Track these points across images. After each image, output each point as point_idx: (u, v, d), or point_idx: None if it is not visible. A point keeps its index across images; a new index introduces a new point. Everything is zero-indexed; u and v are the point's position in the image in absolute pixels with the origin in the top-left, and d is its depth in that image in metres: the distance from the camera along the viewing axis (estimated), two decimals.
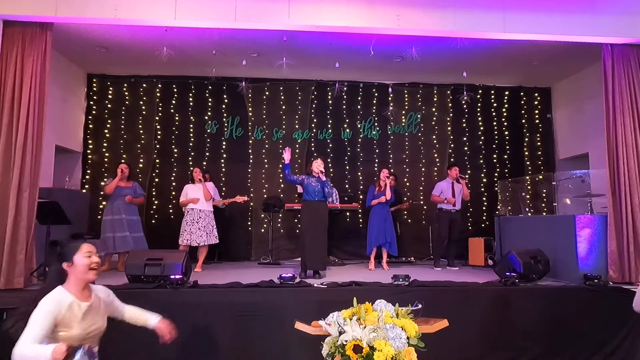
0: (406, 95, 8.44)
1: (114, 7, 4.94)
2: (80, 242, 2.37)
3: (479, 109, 8.54)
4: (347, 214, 8.07)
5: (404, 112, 8.39)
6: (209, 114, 8.14)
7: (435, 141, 8.40)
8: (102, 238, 6.08)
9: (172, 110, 8.08)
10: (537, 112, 8.60)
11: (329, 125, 8.29)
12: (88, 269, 2.28)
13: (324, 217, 5.64)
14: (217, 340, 4.18)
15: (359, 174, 8.27)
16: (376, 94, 8.38)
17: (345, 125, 8.31)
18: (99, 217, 6.56)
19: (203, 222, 6.12)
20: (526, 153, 8.55)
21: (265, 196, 7.85)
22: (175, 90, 8.11)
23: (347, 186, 8.21)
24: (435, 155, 8.36)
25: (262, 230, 7.94)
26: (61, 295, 2.20)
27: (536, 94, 8.60)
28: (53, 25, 5.12)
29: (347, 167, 8.31)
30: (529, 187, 7.62)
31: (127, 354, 3.90)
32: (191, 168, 7.52)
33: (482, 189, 8.43)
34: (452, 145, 8.45)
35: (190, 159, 8.04)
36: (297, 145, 8.18)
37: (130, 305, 2.67)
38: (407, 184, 8.25)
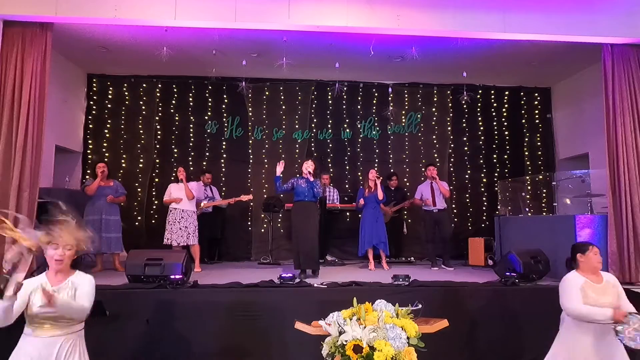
0: (406, 95, 8.44)
1: (114, 7, 4.94)
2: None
3: (479, 109, 8.54)
4: (347, 214, 8.06)
5: (404, 112, 8.39)
6: (209, 114, 8.14)
7: (435, 141, 8.40)
8: None
9: (172, 110, 8.08)
10: (537, 112, 8.60)
11: (329, 125, 8.29)
12: (50, 259, 2.48)
13: (313, 216, 5.73)
14: (218, 340, 4.18)
15: (359, 174, 8.25)
16: (376, 94, 8.38)
17: (345, 125, 8.31)
18: None
19: (185, 222, 6.06)
20: (526, 153, 8.55)
21: (265, 196, 7.85)
22: (175, 90, 8.11)
23: (347, 186, 8.21)
24: (435, 155, 8.36)
25: (262, 230, 7.93)
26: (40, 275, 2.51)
27: (536, 94, 8.60)
28: (53, 25, 5.12)
29: (347, 167, 8.31)
30: (529, 187, 7.62)
31: (126, 355, 3.90)
32: (192, 168, 7.54)
33: (482, 189, 8.42)
34: (452, 145, 8.45)
35: (190, 159, 8.03)
36: (297, 145, 8.18)
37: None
38: (407, 184, 8.25)
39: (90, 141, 7.83)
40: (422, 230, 7.33)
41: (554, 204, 6.59)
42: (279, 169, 5.70)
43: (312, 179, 5.67)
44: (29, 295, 2.40)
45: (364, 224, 6.48)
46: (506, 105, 8.61)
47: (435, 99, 8.45)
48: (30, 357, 2.37)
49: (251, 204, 7.98)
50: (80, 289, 2.52)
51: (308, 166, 5.71)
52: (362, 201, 6.47)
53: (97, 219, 6.00)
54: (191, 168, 7.79)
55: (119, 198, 6.26)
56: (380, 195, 6.36)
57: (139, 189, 7.78)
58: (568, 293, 3.15)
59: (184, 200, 6.11)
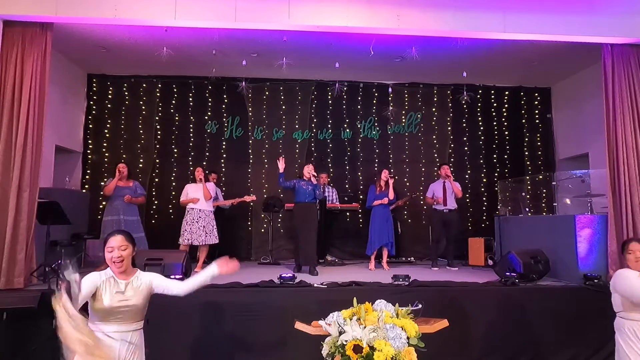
0: (406, 95, 8.44)
1: (114, 7, 4.94)
2: (111, 235, 2.58)
3: (479, 109, 8.54)
4: (347, 214, 8.06)
5: (404, 112, 8.39)
6: (209, 114, 8.14)
7: (435, 141, 8.40)
8: (102, 238, 6.03)
9: (172, 110, 8.08)
10: (537, 112, 8.60)
11: (329, 125, 8.29)
12: (110, 262, 2.52)
13: (314, 217, 6.11)
14: (217, 340, 4.18)
15: (359, 174, 8.27)
16: (376, 94, 8.38)
17: (345, 125, 8.30)
18: (99, 217, 6.55)
19: (203, 221, 6.12)
20: (526, 153, 8.55)
21: (265, 196, 7.85)
22: (175, 90, 8.11)
23: (347, 186, 8.21)
24: (435, 155, 8.36)
25: (262, 230, 7.94)
26: (105, 270, 2.55)
27: (536, 94, 8.60)
28: (53, 25, 5.12)
29: (347, 167, 8.31)
30: (529, 187, 7.61)
31: None
32: (191, 168, 7.54)
33: (482, 189, 8.43)
34: (452, 145, 8.45)
35: (190, 159, 8.03)
36: (297, 145, 8.18)
37: (186, 280, 2.75)
38: (407, 184, 8.25)
39: (90, 141, 7.83)
40: (431, 229, 7.31)
41: (554, 204, 6.59)
42: (281, 165, 5.96)
43: (315, 182, 6.03)
44: (97, 290, 2.44)
45: (373, 223, 6.52)
46: (506, 105, 8.61)
47: (435, 99, 8.45)
48: (113, 350, 2.41)
49: (251, 204, 7.98)
50: (157, 281, 2.62)
51: (311, 170, 6.08)
52: (385, 199, 6.45)
53: (115, 219, 6.01)
54: (191, 168, 7.79)
55: (137, 199, 6.24)
56: (392, 194, 6.43)
57: None
58: (625, 281, 2.95)
59: (201, 200, 6.15)
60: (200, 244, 6.05)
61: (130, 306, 2.48)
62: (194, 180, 6.31)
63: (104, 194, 6.26)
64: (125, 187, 6.16)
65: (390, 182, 6.47)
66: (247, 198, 6.98)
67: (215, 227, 6.24)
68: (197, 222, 6.09)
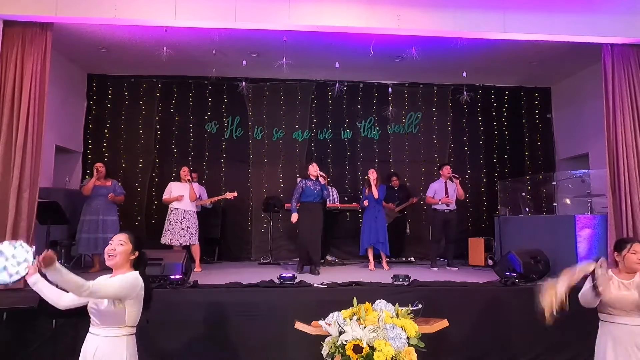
0: (406, 95, 8.44)
1: (114, 7, 4.93)
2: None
3: (479, 109, 8.54)
4: (347, 214, 8.06)
5: (404, 112, 8.39)
6: (209, 114, 8.14)
7: (435, 141, 8.40)
8: (78, 238, 5.94)
9: (172, 110, 8.07)
10: (537, 112, 8.60)
11: (329, 125, 8.29)
12: (106, 254, 2.53)
13: (319, 217, 6.10)
14: (218, 340, 4.18)
15: (359, 174, 8.26)
16: (376, 94, 8.38)
17: (345, 125, 8.30)
18: None
19: (187, 222, 6.04)
20: (526, 153, 8.55)
21: (265, 196, 7.85)
22: (175, 90, 8.11)
23: (347, 186, 8.20)
24: (435, 155, 8.36)
25: (262, 230, 7.94)
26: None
27: (536, 94, 8.60)
28: (53, 25, 5.11)
29: (347, 167, 8.31)
30: (529, 187, 7.61)
31: None
32: (191, 168, 7.53)
33: (482, 189, 8.43)
34: (452, 145, 8.45)
35: (190, 159, 8.03)
36: (297, 145, 8.18)
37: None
38: (407, 184, 8.25)
39: (90, 141, 7.83)
40: (430, 229, 7.30)
41: (554, 204, 6.58)
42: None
43: (323, 181, 6.04)
44: None
45: (364, 223, 6.54)
46: (506, 105, 8.61)
47: (435, 99, 8.45)
48: (84, 350, 2.42)
49: (251, 204, 7.98)
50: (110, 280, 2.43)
51: (316, 168, 6.07)
52: (366, 202, 6.51)
53: (94, 219, 5.95)
54: (191, 168, 7.77)
55: (118, 197, 6.22)
56: (375, 194, 6.38)
57: (138, 189, 7.78)
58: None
59: (186, 200, 6.09)
60: (182, 244, 5.92)
61: (99, 308, 2.35)
62: (179, 179, 6.26)
63: (83, 193, 6.13)
64: (102, 187, 6.10)
65: (372, 181, 6.37)
66: (228, 194, 6.79)
67: (197, 228, 6.16)
68: (180, 222, 6.01)
